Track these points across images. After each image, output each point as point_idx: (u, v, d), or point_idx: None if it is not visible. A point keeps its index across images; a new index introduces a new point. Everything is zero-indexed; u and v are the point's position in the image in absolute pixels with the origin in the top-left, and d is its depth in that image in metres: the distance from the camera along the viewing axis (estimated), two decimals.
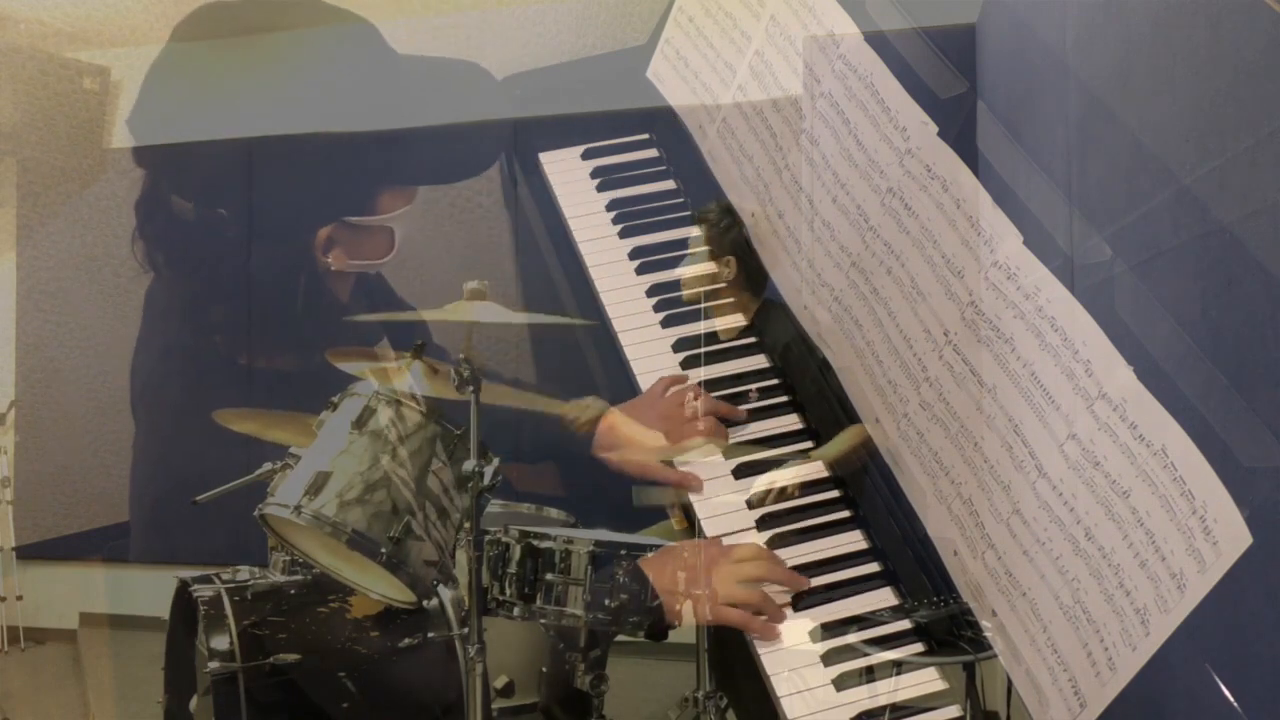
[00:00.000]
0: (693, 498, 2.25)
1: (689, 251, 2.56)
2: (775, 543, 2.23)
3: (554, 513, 2.48)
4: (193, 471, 2.95)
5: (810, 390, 2.39)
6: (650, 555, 2.03)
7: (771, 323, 2.49)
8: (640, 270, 2.65)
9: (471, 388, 2.02)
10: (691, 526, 2.22)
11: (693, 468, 2.28)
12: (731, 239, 2.50)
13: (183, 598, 2.31)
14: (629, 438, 2.34)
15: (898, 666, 2.00)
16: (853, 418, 2.28)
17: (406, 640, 2.20)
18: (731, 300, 2.52)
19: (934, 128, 2.07)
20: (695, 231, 2.61)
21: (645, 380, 2.50)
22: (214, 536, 3.08)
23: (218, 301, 3.50)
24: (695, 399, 2.32)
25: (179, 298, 3.48)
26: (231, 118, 3.54)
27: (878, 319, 2.18)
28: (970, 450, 1.99)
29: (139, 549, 3.62)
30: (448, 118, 3.36)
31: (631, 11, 3.18)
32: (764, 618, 2.02)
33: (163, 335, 3.47)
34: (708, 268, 2.52)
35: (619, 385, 2.56)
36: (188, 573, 2.33)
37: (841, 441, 2.29)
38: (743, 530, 2.25)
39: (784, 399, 2.41)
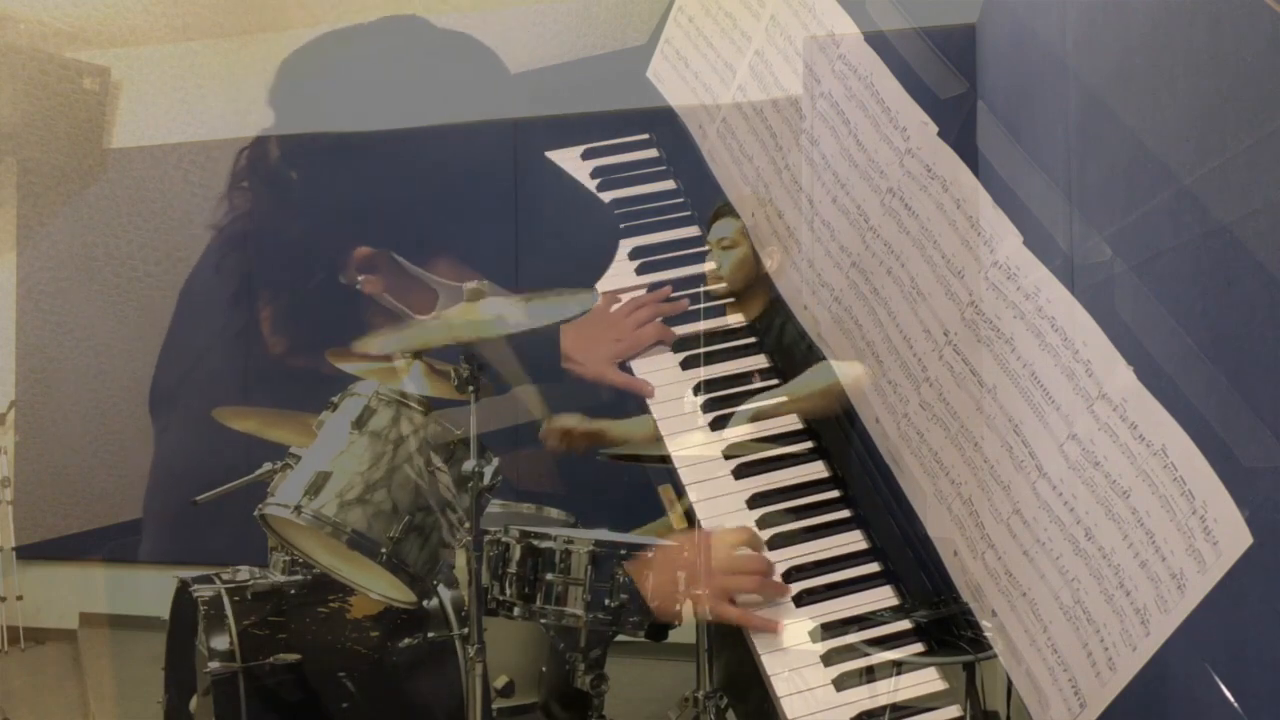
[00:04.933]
0: (693, 498, 2.25)
1: (722, 245, 2.54)
2: (776, 542, 2.23)
3: (554, 513, 2.48)
4: (218, 471, 3.01)
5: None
6: (639, 558, 2.02)
7: (776, 320, 2.48)
8: (640, 270, 2.65)
9: (472, 388, 2.02)
10: (691, 524, 2.22)
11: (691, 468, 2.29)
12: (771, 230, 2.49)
13: (183, 598, 2.31)
14: (586, 351, 2.58)
15: (898, 666, 2.00)
16: (851, 415, 2.27)
17: (406, 640, 2.20)
18: (761, 293, 2.51)
19: (934, 128, 2.07)
20: (696, 230, 2.60)
21: (645, 379, 2.50)
22: (214, 537, 3.08)
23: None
24: (639, 308, 2.54)
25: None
26: None
27: (878, 319, 2.18)
28: (970, 450, 1.99)
29: (150, 547, 3.62)
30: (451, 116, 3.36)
31: (631, 11, 3.18)
32: (762, 605, 2.02)
33: (202, 330, 3.50)
34: (745, 258, 2.51)
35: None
36: (188, 573, 2.33)
37: (810, 382, 2.28)
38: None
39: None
